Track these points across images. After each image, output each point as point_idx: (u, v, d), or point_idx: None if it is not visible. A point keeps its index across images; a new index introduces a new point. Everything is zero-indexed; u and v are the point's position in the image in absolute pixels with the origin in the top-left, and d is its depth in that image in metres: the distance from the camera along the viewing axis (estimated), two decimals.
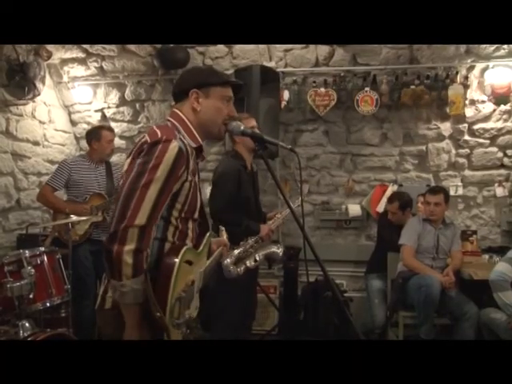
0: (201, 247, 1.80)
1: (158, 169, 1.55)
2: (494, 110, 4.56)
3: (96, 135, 4.06)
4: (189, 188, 1.68)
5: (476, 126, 4.62)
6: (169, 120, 1.81)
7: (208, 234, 1.88)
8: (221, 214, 3.03)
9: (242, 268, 2.94)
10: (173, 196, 1.64)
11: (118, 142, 5.23)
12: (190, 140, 1.75)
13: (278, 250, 3.16)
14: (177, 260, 1.55)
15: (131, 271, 1.49)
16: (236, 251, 2.95)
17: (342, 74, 4.66)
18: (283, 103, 4.65)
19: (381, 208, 4.72)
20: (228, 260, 2.87)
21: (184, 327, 1.61)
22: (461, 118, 4.61)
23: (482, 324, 3.63)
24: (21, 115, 4.52)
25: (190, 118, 1.79)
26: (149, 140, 1.63)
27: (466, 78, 4.50)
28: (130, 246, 1.49)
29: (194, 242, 1.80)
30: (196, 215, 1.78)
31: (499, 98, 4.43)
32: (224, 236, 2.05)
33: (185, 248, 1.61)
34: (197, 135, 1.78)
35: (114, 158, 5.01)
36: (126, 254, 1.48)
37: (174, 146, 1.59)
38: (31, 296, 3.03)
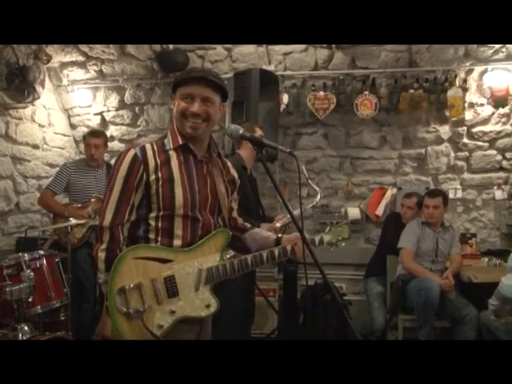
0: (193, 245, 1.83)
1: (116, 176, 1.80)
2: (493, 113, 4.57)
3: (84, 140, 4.21)
4: (156, 187, 1.79)
5: (475, 129, 4.63)
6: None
7: (213, 232, 1.89)
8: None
9: None
10: (144, 197, 1.81)
11: (117, 145, 5.25)
12: (170, 142, 1.88)
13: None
14: (118, 256, 1.74)
15: (104, 266, 1.76)
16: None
17: (341, 78, 4.66)
18: (282, 106, 4.65)
19: (380, 211, 4.72)
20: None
21: (137, 318, 1.70)
22: (460, 121, 4.61)
23: (481, 326, 3.62)
24: (20, 118, 4.53)
25: (174, 120, 1.94)
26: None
27: (465, 81, 4.50)
28: (102, 246, 1.78)
29: (189, 239, 1.83)
30: (181, 211, 1.81)
31: (498, 101, 4.44)
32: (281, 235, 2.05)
33: (132, 247, 1.78)
34: (178, 136, 1.89)
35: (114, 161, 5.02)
36: (99, 252, 1.77)
37: (129, 154, 1.81)
38: (30, 299, 3.03)
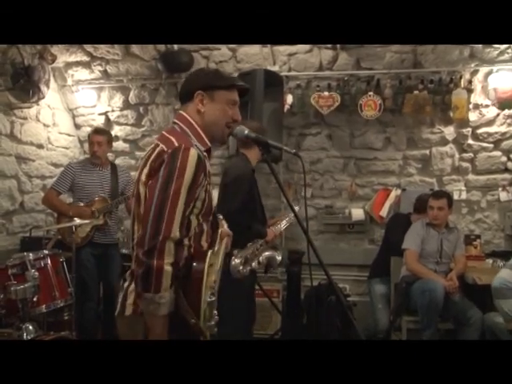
0: (216, 247, 1.79)
1: (183, 178, 1.59)
2: (498, 115, 4.55)
3: (88, 139, 4.19)
4: (205, 192, 1.71)
5: (480, 130, 4.62)
6: (176, 123, 1.82)
7: (219, 233, 1.87)
8: (234, 216, 2.97)
9: (248, 269, 2.95)
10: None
11: (121, 145, 5.26)
12: (199, 143, 1.76)
13: (278, 256, 3.16)
14: (205, 265, 1.60)
15: (170, 283, 1.55)
16: (246, 252, 2.95)
17: (346, 78, 4.66)
18: (287, 107, 4.64)
19: (384, 212, 4.72)
20: (237, 260, 2.86)
21: (215, 327, 1.66)
22: (464, 123, 4.60)
23: (486, 328, 3.62)
24: (25, 118, 4.54)
25: (196, 120, 1.80)
26: (165, 149, 1.65)
27: (470, 82, 4.49)
28: (169, 259, 1.55)
29: (209, 241, 1.79)
30: (211, 217, 1.79)
31: (503, 103, 4.43)
32: (224, 226, 2.05)
33: (209, 253, 1.65)
34: (205, 138, 1.79)
35: (118, 161, 5.04)
36: (166, 267, 1.54)
37: (193, 153, 1.62)
38: (35, 299, 3.05)
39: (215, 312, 1.70)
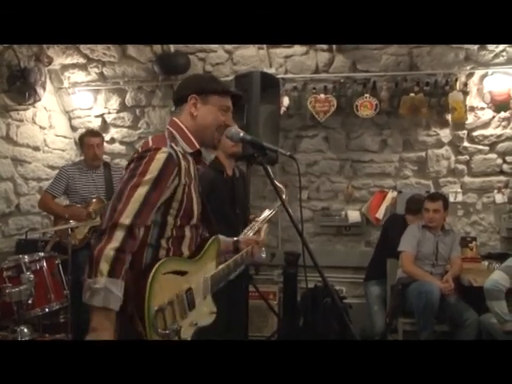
0: (199, 255, 1.80)
1: (146, 173, 1.60)
2: (494, 117, 4.56)
3: (80, 142, 4.22)
4: (182, 193, 1.71)
5: (475, 133, 4.63)
6: (167, 128, 1.84)
7: (210, 241, 1.88)
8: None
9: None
10: (167, 201, 1.68)
11: (118, 147, 5.26)
12: (186, 145, 1.78)
13: (262, 254, 3.00)
14: (150, 273, 1.55)
15: (108, 268, 1.48)
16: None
17: (342, 81, 4.66)
18: (283, 109, 4.64)
19: (380, 214, 4.72)
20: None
21: (175, 337, 1.60)
22: (460, 125, 4.62)
23: (482, 328, 3.63)
24: (21, 120, 4.53)
25: (187, 124, 1.82)
26: (140, 150, 1.69)
27: (466, 84, 4.51)
28: (113, 244, 1.50)
29: (193, 249, 1.80)
30: (194, 221, 1.78)
31: (499, 106, 4.44)
32: (253, 232, 2.04)
33: (161, 261, 1.62)
34: (193, 140, 1.81)
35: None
36: (107, 251, 1.49)
37: (162, 153, 1.64)
38: (30, 301, 3.03)
39: (190, 320, 1.67)
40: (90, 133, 4.19)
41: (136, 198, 1.57)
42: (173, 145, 1.71)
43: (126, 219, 1.54)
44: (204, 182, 3.03)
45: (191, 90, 1.81)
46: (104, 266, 1.48)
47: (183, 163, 1.71)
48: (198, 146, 1.81)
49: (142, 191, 1.58)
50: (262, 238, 2.79)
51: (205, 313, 1.79)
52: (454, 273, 3.90)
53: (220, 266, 1.90)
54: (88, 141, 4.07)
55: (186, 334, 1.67)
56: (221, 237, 2.03)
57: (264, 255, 2.96)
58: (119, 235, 1.52)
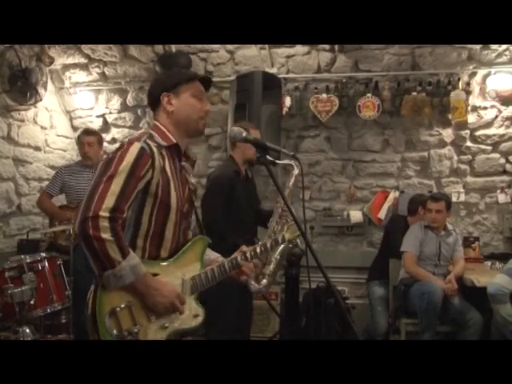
0: (176, 255, 1.78)
1: (120, 165, 1.61)
2: (496, 117, 4.55)
3: (78, 141, 4.24)
4: (156, 186, 1.70)
5: (478, 133, 4.62)
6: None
7: (192, 241, 1.85)
8: (210, 224, 2.75)
9: (265, 280, 2.84)
10: (141, 196, 1.68)
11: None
12: (161, 140, 1.78)
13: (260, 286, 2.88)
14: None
15: (119, 253, 1.54)
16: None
17: (344, 81, 4.66)
18: (285, 109, 4.64)
19: (382, 214, 4.71)
20: (252, 282, 2.76)
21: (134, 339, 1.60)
22: (463, 125, 4.60)
23: (493, 330, 3.60)
24: (22, 120, 4.53)
25: (165, 122, 1.83)
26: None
27: (468, 84, 4.49)
28: (105, 232, 1.53)
29: (174, 248, 1.78)
30: (173, 216, 1.75)
31: (505, 101, 4.43)
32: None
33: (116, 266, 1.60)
34: (169, 135, 1.81)
35: None
36: (106, 239, 1.52)
37: (135, 146, 1.66)
38: (32, 302, 3.03)
39: (152, 325, 1.66)
40: (85, 131, 4.20)
41: (113, 189, 1.58)
42: (148, 141, 1.72)
43: (106, 208, 1.54)
44: (224, 180, 3.08)
45: (160, 90, 1.84)
46: (115, 254, 1.54)
47: (158, 158, 1.70)
48: (174, 141, 1.81)
49: (117, 182, 1.59)
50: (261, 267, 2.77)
51: (186, 316, 1.74)
52: (457, 273, 3.89)
53: (206, 269, 1.84)
54: (81, 139, 4.10)
55: (156, 337, 1.65)
56: (208, 251, 1.97)
57: (261, 287, 2.85)
58: (104, 222, 1.53)
